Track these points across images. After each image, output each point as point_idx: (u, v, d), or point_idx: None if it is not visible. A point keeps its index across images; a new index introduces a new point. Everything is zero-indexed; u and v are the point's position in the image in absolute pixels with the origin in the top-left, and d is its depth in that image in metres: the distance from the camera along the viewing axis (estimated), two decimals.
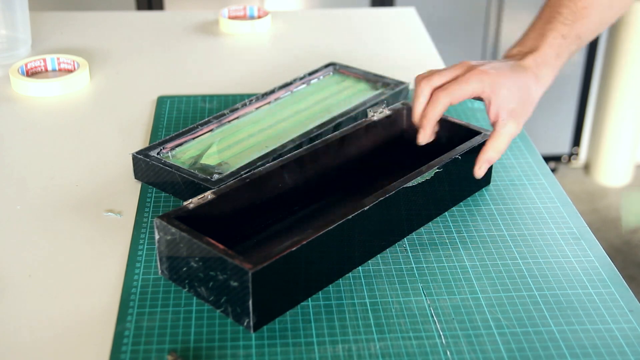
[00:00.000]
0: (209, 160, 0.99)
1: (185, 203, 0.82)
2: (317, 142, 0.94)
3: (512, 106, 0.90)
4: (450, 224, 0.92)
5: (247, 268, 0.71)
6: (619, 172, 2.68)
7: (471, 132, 0.96)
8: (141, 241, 0.88)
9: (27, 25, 1.36)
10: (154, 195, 0.96)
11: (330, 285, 0.82)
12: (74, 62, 1.29)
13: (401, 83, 1.16)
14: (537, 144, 1.12)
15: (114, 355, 0.72)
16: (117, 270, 0.84)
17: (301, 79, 1.18)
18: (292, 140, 1.01)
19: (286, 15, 1.54)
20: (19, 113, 1.18)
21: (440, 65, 1.35)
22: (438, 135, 0.93)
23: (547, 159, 2.69)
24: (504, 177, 1.02)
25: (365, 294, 0.81)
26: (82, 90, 1.25)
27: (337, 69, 1.23)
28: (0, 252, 0.87)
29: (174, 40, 1.45)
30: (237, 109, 1.09)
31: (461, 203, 0.96)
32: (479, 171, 0.92)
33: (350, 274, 0.83)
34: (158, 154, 0.99)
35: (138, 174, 0.99)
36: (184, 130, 1.03)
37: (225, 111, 1.08)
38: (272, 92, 1.14)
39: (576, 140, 2.70)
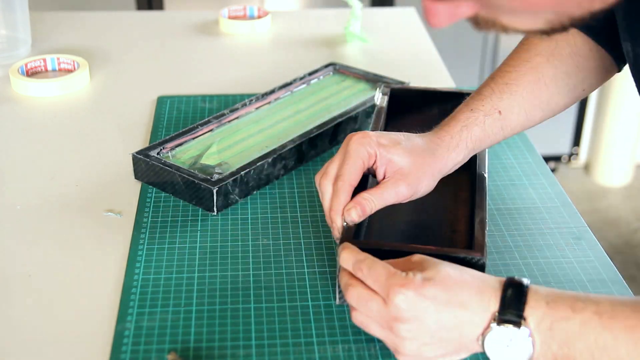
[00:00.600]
0: (209, 160, 0.99)
1: None
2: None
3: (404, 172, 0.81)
4: None
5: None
6: (619, 172, 2.68)
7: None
8: (141, 241, 0.88)
9: (27, 25, 1.36)
10: (154, 195, 0.96)
11: (329, 286, 0.82)
12: (74, 62, 1.28)
13: (401, 83, 1.16)
14: (537, 144, 1.12)
15: (114, 355, 0.72)
16: (117, 270, 0.84)
17: (301, 78, 1.18)
18: (292, 140, 1.01)
19: (286, 15, 1.54)
20: (19, 113, 1.18)
21: (440, 64, 1.35)
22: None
23: (547, 159, 2.69)
24: (504, 177, 1.02)
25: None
26: (82, 90, 1.24)
27: (337, 68, 1.23)
28: (0, 252, 0.87)
29: (174, 40, 1.45)
30: (237, 109, 1.09)
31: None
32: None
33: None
34: (158, 154, 0.99)
35: (138, 174, 0.99)
36: (183, 130, 1.03)
37: (225, 111, 1.08)
38: (272, 92, 1.14)
39: (576, 140, 2.70)
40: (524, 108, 0.89)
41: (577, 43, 0.90)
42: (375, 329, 0.71)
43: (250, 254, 0.87)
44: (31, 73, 1.27)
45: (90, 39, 1.44)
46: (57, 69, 1.30)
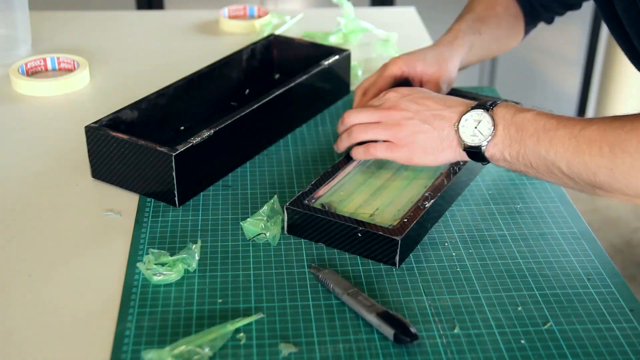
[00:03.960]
0: (364, 209, 0.91)
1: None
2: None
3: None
4: (451, 224, 0.92)
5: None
6: None
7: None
8: (141, 241, 0.88)
9: (27, 24, 1.36)
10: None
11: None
12: (74, 61, 1.28)
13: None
14: None
15: (115, 355, 0.72)
16: (118, 269, 0.84)
17: None
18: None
19: (286, 15, 1.54)
20: (19, 113, 1.18)
21: None
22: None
23: None
24: (504, 177, 1.02)
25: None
26: (82, 90, 1.24)
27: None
28: (0, 252, 0.87)
29: (174, 40, 1.45)
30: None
31: (462, 203, 0.96)
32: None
33: (351, 274, 0.83)
34: (308, 204, 0.90)
35: (292, 229, 0.90)
36: (323, 174, 0.95)
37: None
38: None
39: None
40: (490, 37, 1.15)
41: (517, 7, 1.17)
42: (371, 131, 0.93)
43: (251, 253, 0.86)
44: (31, 73, 1.27)
45: (90, 38, 1.44)
46: (57, 68, 1.30)
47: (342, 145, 0.98)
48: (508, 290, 0.82)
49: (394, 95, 0.96)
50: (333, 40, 1.41)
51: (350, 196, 0.94)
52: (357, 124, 0.96)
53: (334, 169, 0.96)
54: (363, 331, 0.76)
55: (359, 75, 1.29)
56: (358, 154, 0.96)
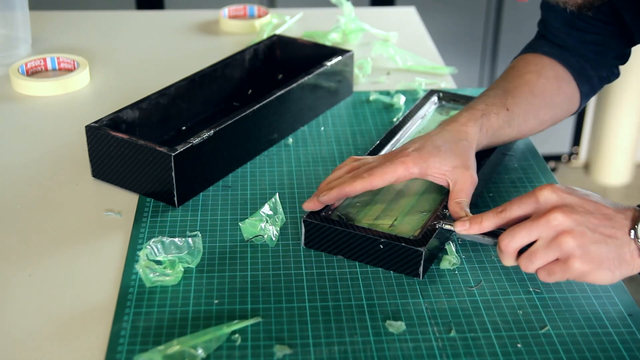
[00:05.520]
0: (383, 221, 0.90)
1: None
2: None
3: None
4: None
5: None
6: (619, 172, 2.68)
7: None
8: (140, 241, 0.88)
9: (27, 24, 1.36)
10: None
11: (327, 287, 0.82)
12: (74, 61, 1.29)
13: None
14: (537, 144, 1.12)
15: (110, 354, 0.72)
16: (116, 269, 0.84)
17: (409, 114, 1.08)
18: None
19: (286, 14, 1.54)
20: (19, 113, 1.18)
21: (441, 64, 1.35)
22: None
23: (547, 158, 2.69)
24: (504, 177, 1.02)
25: (363, 295, 0.81)
26: (82, 90, 1.25)
27: (440, 97, 1.14)
28: (0, 252, 0.87)
29: (174, 40, 1.45)
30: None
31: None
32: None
33: (348, 276, 0.83)
34: (326, 216, 0.88)
35: (309, 242, 0.88)
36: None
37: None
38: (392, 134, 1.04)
39: (576, 140, 2.70)
40: (523, 110, 0.98)
41: (559, 69, 1.02)
42: (542, 252, 0.75)
43: (249, 255, 0.87)
44: (31, 72, 1.27)
45: (90, 38, 1.44)
46: (57, 68, 1.30)
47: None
48: (505, 294, 0.82)
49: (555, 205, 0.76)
50: (332, 38, 1.41)
51: (367, 207, 0.91)
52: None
53: None
54: (359, 333, 0.76)
55: (369, 72, 1.28)
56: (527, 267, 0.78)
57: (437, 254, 0.86)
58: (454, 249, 0.85)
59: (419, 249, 0.82)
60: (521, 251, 0.77)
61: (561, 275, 0.75)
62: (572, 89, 1.03)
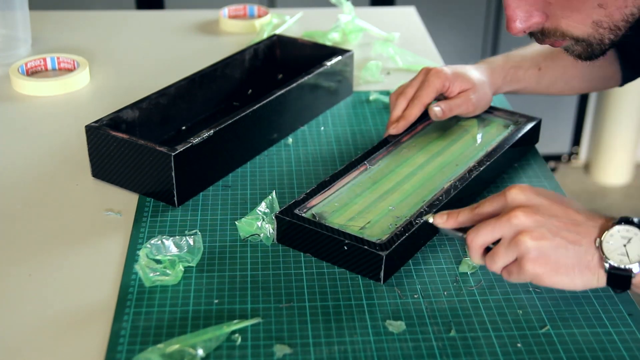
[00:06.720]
0: (356, 222, 0.89)
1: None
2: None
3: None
4: None
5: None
6: (619, 172, 2.68)
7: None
8: (140, 240, 0.88)
9: (27, 24, 1.36)
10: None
11: (327, 287, 0.82)
12: (73, 61, 1.29)
13: (533, 119, 1.07)
14: (537, 144, 1.12)
15: (110, 354, 0.73)
16: (116, 269, 0.84)
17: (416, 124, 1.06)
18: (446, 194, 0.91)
19: (286, 14, 1.54)
20: (19, 113, 1.18)
21: (440, 64, 1.35)
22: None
23: (547, 158, 2.69)
24: (504, 177, 1.02)
25: (363, 295, 0.81)
26: (82, 90, 1.25)
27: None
28: (0, 252, 0.87)
29: (174, 40, 1.45)
30: (365, 157, 0.99)
31: None
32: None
33: (348, 275, 0.84)
34: (299, 214, 0.88)
35: (280, 237, 0.88)
36: (319, 184, 0.93)
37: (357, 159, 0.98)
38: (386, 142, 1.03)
39: (576, 140, 2.70)
40: (555, 75, 1.06)
41: None
42: (503, 252, 0.75)
43: (249, 254, 0.87)
44: (31, 72, 1.27)
45: (90, 38, 1.44)
46: (57, 68, 1.30)
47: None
48: (505, 294, 0.82)
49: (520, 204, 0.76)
50: (332, 38, 1.41)
51: (344, 207, 0.91)
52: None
53: (332, 179, 0.94)
54: (359, 333, 0.76)
55: (378, 75, 1.28)
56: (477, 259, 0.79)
57: (408, 258, 0.86)
58: None
59: (380, 253, 0.81)
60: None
61: (517, 276, 0.75)
62: (613, 70, 1.05)
